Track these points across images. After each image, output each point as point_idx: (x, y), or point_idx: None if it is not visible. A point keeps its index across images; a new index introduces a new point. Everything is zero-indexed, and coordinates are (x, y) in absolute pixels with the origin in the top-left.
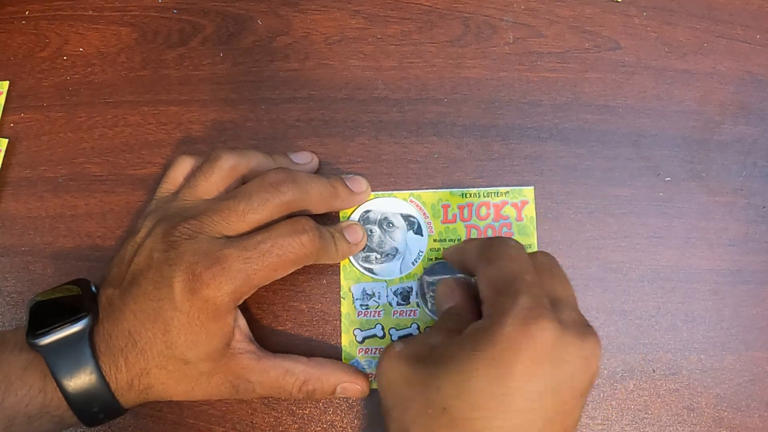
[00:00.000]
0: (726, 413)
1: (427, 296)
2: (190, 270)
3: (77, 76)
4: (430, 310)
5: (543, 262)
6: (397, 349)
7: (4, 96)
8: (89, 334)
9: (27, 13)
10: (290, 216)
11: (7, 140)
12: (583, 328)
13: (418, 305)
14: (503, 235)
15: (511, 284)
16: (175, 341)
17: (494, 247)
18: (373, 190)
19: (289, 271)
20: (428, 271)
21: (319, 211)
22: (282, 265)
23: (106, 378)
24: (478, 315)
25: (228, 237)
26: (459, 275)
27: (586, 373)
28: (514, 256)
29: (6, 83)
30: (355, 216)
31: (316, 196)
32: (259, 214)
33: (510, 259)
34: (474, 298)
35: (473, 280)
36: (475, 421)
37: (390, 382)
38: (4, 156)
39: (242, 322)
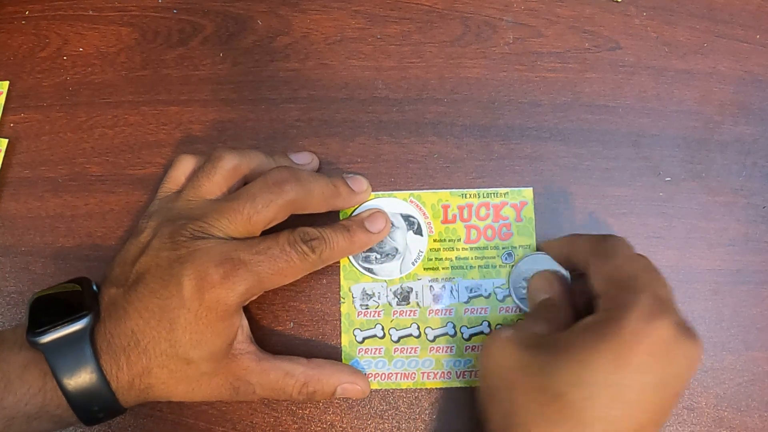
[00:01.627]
0: (726, 413)
1: (518, 286)
2: (201, 269)
3: (77, 76)
4: (519, 299)
5: (647, 264)
6: (507, 334)
7: (4, 96)
8: (90, 332)
9: (27, 13)
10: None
11: (7, 140)
12: (691, 330)
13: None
14: (610, 234)
15: (632, 281)
16: (180, 339)
17: (611, 244)
18: (373, 190)
19: (298, 277)
20: (523, 261)
21: (320, 209)
22: (290, 272)
23: (107, 377)
24: (574, 308)
25: (236, 239)
26: (552, 269)
27: (689, 373)
28: (631, 254)
29: (6, 83)
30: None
31: (318, 195)
32: (264, 215)
33: (628, 257)
34: (569, 292)
35: (568, 274)
36: (587, 409)
37: (498, 366)
38: (4, 156)
39: (245, 322)
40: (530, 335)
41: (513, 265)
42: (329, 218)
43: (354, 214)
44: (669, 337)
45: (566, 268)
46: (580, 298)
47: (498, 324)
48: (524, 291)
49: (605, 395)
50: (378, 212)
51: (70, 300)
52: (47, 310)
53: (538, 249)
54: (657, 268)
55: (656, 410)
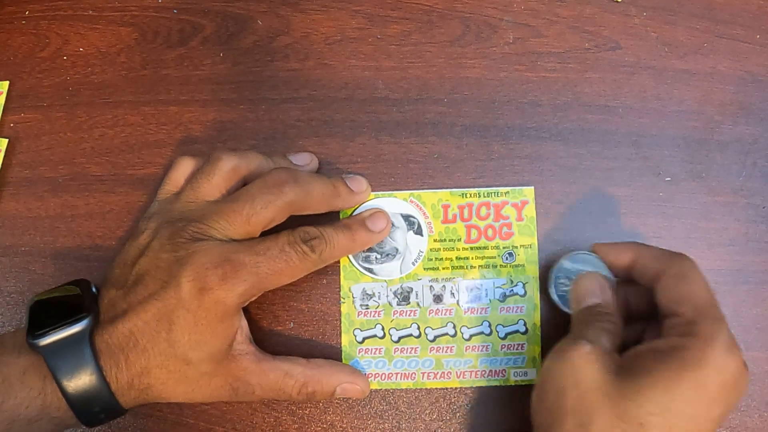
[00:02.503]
0: None
1: (558, 282)
2: (201, 271)
3: (77, 76)
4: (558, 296)
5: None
6: (587, 349)
7: (4, 96)
8: (90, 334)
9: (27, 13)
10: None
11: (7, 140)
12: (744, 361)
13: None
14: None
15: (713, 310)
16: (179, 340)
17: (688, 265)
18: (373, 190)
19: (298, 277)
20: (568, 259)
21: (319, 210)
22: (290, 272)
23: (107, 378)
24: (619, 313)
25: (235, 240)
26: (600, 272)
27: (738, 401)
28: (705, 280)
29: (6, 83)
30: None
31: (318, 196)
32: (263, 216)
33: (705, 283)
34: (615, 297)
35: (614, 280)
36: None
37: (578, 385)
38: (4, 156)
39: (244, 323)
40: (608, 354)
41: (556, 262)
42: (329, 218)
43: (354, 213)
44: (739, 371)
45: (618, 275)
46: (625, 307)
47: (498, 324)
48: (565, 288)
49: (687, 427)
50: (379, 212)
51: (68, 302)
52: (47, 312)
53: (588, 250)
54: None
55: None
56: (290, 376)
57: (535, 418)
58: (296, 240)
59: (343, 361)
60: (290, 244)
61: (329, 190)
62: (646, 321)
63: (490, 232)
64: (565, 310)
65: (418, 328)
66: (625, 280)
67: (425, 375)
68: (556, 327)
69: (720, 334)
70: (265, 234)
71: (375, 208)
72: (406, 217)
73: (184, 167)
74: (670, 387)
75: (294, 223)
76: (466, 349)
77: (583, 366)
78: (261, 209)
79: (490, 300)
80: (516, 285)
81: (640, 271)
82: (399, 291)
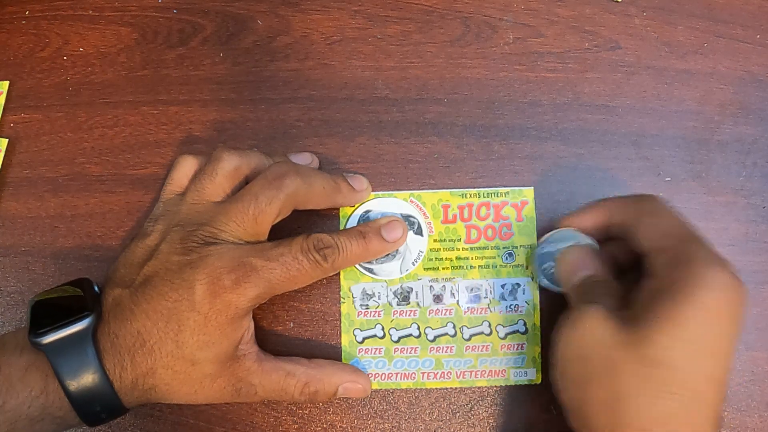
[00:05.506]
0: (726, 413)
1: (544, 267)
2: (214, 274)
3: (77, 76)
4: (549, 280)
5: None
6: (598, 311)
7: (4, 96)
8: (92, 333)
9: (27, 13)
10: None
11: (7, 140)
12: (734, 269)
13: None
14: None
15: (691, 234)
16: (187, 341)
17: (656, 202)
18: (373, 190)
19: (309, 283)
20: (541, 244)
21: (321, 205)
22: (301, 279)
23: (110, 377)
24: (613, 276)
25: (247, 242)
26: (580, 243)
27: (743, 316)
28: (676, 212)
29: (6, 83)
30: (356, 216)
31: (320, 189)
32: (269, 213)
33: (676, 214)
34: (604, 262)
35: (596, 244)
36: (689, 372)
37: (598, 348)
38: (4, 156)
39: (251, 325)
40: (616, 312)
41: (534, 249)
42: (329, 219)
43: (354, 213)
44: (732, 282)
45: (597, 237)
46: (616, 265)
47: (498, 324)
48: (553, 272)
49: (704, 352)
50: (396, 221)
51: (71, 301)
52: (49, 311)
53: (558, 225)
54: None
55: (733, 354)
56: (292, 376)
57: (562, 395)
58: (310, 248)
59: (344, 361)
60: (303, 252)
61: (331, 185)
62: (638, 271)
63: (490, 232)
64: (560, 290)
65: (418, 328)
66: (606, 239)
67: (425, 375)
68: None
69: (701, 251)
70: (274, 232)
71: (391, 216)
72: (406, 217)
73: (186, 167)
74: (675, 318)
75: (297, 220)
76: (466, 349)
77: (598, 328)
78: (266, 206)
79: (490, 300)
80: (516, 285)
81: (616, 226)
82: (399, 291)
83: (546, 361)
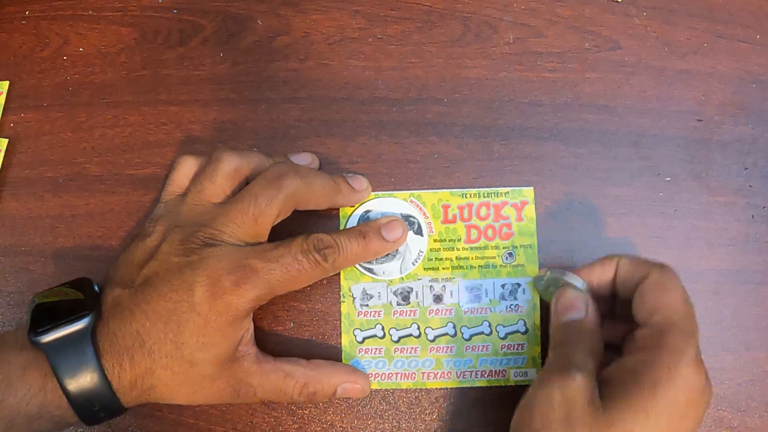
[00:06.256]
0: (726, 413)
1: (550, 290)
2: (214, 276)
3: (77, 76)
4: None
5: (692, 303)
6: (578, 380)
7: (4, 96)
8: (92, 332)
9: (27, 13)
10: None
11: (7, 140)
12: (707, 373)
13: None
14: (656, 261)
15: (688, 322)
16: (187, 341)
17: (665, 274)
18: (373, 190)
19: (309, 283)
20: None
21: (321, 206)
22: (302, 279)
23: (108, 377)
24: (601, 330)
25: (247, 243)
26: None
27: (703, 416)
28: (682, 289)
29: (6, 83)
30: (356, 216)
31: (319, 189)
32: (269, 213)
33: (682, 293)
34: (598, 313)
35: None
36: None
37: (568, 417)
38: (4, 156)
39: (251, 326)
40: (594, 380)
41: (537, 278)
42: (329, 220)
43: (354, 213)
44: (704, 386)
45: (604, 293)
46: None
47: (498, 324)
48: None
49: None
50: (396, 221)
51: (71, 302)
52: (48, 311)
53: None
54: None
55: None
56: (291, 376)
57: None
58: (309, 248)
59: (343, 361)
60: (303, 252)
61: (330, 185)
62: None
63: (490, 232)
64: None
65: (418, 328)
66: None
67: (425, 375)
68: None
69: (689, 347)
70: (274, 232)
71: (392, 216)
72: (406, 217)
73: (186, 167)
74: (645, 408)
75: (297, 221)
76: (466, 349)
77: (573, 398)
78: (266, 207)
79: (490, 300)
80: (516, 285)
81: (621, 282)
82: (399, 291)
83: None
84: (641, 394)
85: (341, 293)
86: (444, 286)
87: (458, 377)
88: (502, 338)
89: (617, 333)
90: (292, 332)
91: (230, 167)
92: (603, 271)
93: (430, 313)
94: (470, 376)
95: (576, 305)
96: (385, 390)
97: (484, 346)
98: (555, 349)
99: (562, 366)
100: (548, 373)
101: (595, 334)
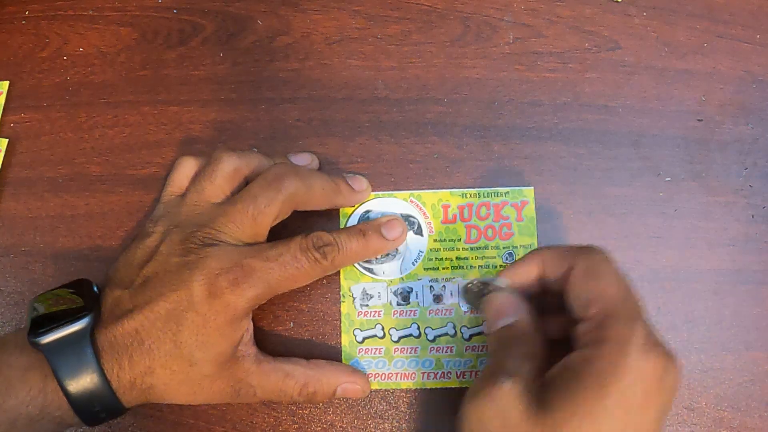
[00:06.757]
0: (726, 413)
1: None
2: (212, 275)
3: (77, 76)
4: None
5: (630, 284)
6: (508, 386)
7: (4, 96)
8: (91, 332)
9: (27, 13)
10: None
11: (7, 140)
12: (671, 352)
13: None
14: (591, 245)
15: (627, 306)
16: (186, 341)
17: (593, 258)
18: (373, 190)
19: (309, 282)
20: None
21: (321, 206)
22: (301, 278)
23: (108, 377)
24: (539, 330)
25: (246, 243)
26: (502, 287)
27: (675, 394)
28: (615, 273)
29: (6, 83)
30: (356, 216)
31: (319, 190)
32: (268, 214)
33: (615, 275)
34: (532, 313)
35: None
36: None
37: (504, 427)
38: (4, 156)
39: (250, 326)
40: (531, 384)
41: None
42: (330, 220)
43: (353, 214)
44: (661, 367)
45: (534, 292)
46: (547, 317)
47: None
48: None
49: None
50: (395, 219)
51: (70, 305)
52: (48, 313)
53: (497, 277)
54: (631, 284)
55: None
56: (291, 377)
57: None
58: (309, 246)
59: (343, 361)
60: (302, 251)
61: (330, 186)
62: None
63: (490, 232)
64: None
65: (418, 328)
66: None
67: (425, 375)
68: None
69: (634, 334)
70: (273, 232)
71: (392, 215)
72: (406, 217)
73: (186, 168)
74: (592, 410)
75: (297, 221)
76: (466, 349)
77: (507, 405)
78: (265, 207)
79: None
80: None
81: (549, 278)
82: (399, 291)
83: None
84: (585, 394)
85: (341, 293)
86: (444, 286)
87: (458, 377)
88: None
89: (569, 327)
90: (292, 332)
91: (230, 168)
92: (527, 270)
93: (430, 313)
94: (470, 376)
95: (504, 310)
96: (385, 390)
97: (484, 346)
98: (489, 358)
99: (490, 374)
100: (478, 384)
101: (529, 335)
